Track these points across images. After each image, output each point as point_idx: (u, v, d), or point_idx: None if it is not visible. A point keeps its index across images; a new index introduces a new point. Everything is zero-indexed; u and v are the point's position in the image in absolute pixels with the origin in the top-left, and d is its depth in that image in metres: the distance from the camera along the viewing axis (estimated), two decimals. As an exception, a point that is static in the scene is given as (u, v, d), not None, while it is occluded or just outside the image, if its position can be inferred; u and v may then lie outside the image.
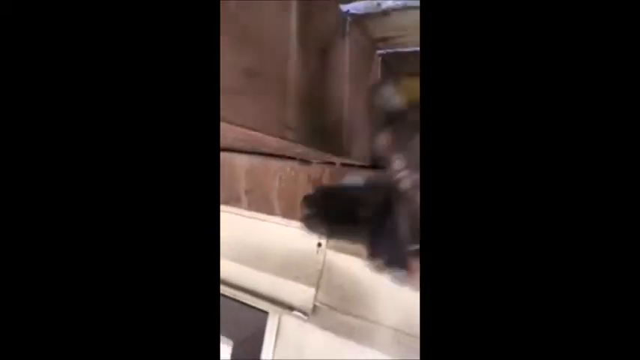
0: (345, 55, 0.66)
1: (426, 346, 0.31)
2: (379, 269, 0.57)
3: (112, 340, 0.31)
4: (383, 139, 0.52)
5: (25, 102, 0.30)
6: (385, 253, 0.56)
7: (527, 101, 0.31)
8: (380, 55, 0.80)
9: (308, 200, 0.64)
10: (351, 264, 1.01)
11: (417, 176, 0.48)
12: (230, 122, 0.38)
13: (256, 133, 0.44)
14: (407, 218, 0.50)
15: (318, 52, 0.58)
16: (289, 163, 1.02)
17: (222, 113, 0.38)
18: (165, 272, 0.32)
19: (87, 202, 0.31)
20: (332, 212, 0.62)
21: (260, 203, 1.08)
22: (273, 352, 1.08)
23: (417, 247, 0.48)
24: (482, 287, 0.31)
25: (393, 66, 0.81)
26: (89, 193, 0.31)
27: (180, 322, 0.32)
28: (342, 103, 0.65)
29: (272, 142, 0.50)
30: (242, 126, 0.41)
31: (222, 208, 1.16)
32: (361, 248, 0.98)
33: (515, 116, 0.31)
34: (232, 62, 0.39)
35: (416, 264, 0.49)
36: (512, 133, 0.31)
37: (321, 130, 0.59)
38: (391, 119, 0.53)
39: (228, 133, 0.44)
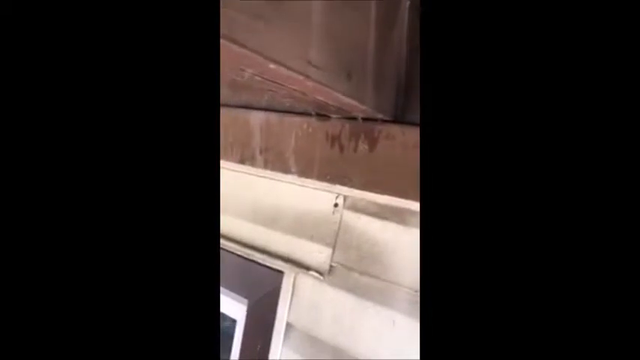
0: (371, -6, 0.61)
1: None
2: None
3: (112, 299, 0.31)
4: None
5: (25, 100, 0.30)
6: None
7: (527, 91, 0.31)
8: (408, -2, 0.73)
9: None
10: (369, 225, 0.99)
11: None
12: (249, 48, 0.34)
13: (277, 66, 0.41)
14: None
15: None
16: (306, 119, 0.98)
17: (240, 37, 0.34)
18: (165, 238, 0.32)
19: (87, 168, 0.31)
20: None
21: (275, 162, 1.05)
22: (289, 312, 1.08)
23: None
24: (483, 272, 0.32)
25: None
26: (89, 159, 0.31)
27: (179, 285, 0.32)
28: (367, 48, 0.61)
29: (295, 81, 0.46)
30: (261, 54, 0.37)
31: (238, 167, 1.14)
32: (380, 208, 0.96)
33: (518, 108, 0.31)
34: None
35: None
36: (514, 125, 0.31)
37: (345, 74, 0.54)
38: None
39: (247, 66, 0.41)
